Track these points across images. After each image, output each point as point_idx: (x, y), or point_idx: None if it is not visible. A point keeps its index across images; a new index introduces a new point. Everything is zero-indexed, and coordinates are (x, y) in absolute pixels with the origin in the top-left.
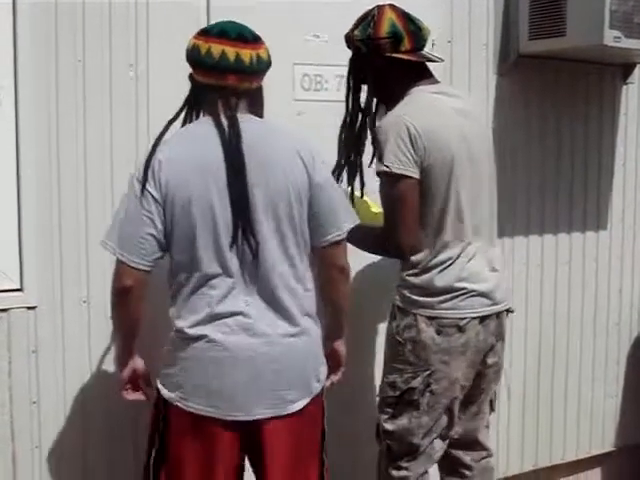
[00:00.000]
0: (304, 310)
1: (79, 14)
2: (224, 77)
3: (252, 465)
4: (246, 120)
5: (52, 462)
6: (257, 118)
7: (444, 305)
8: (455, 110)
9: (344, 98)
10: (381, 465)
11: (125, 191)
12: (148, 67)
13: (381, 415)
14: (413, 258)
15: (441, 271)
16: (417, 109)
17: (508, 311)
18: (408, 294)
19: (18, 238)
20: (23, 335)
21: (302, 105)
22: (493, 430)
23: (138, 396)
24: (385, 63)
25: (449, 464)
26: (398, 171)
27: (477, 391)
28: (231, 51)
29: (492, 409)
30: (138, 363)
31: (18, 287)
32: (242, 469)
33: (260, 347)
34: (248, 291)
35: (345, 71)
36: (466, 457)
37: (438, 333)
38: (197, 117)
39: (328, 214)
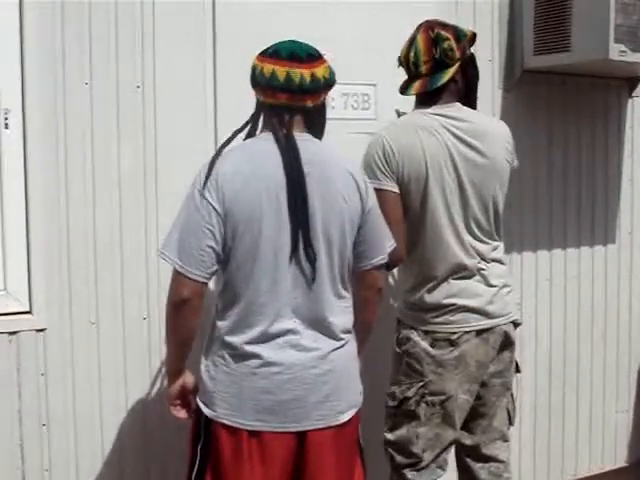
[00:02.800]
0: (344, 327)
1: (85, 37)
2: (276, 95)
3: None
4: (304, 139)
5: None
6: (313, 138)
7: (436, 320)
8: (450, 131)
9: None
10: (393, 476)
11: (182, 201)
12: (155, 88)
13: (384, 426)
14: (403, 275)
15: (429, 289)
16: (398, 128)
17: (515, 324)
18: (405, 309)
19: (27, 261)
20: (32, 358)
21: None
22: None
23: (185, 414)
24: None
25: (468, 478)
26: (377, 185)
27: (485, 404)
28: (281, 70)
29: (511, 423)
30: (188, 378)
31: (27, 310)
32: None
33: (310, 362)
34: (297, 309)
35: (350, 89)
36: (482, 471)
37: (432, 346)
38: (250, 135)
39: (375, 238)
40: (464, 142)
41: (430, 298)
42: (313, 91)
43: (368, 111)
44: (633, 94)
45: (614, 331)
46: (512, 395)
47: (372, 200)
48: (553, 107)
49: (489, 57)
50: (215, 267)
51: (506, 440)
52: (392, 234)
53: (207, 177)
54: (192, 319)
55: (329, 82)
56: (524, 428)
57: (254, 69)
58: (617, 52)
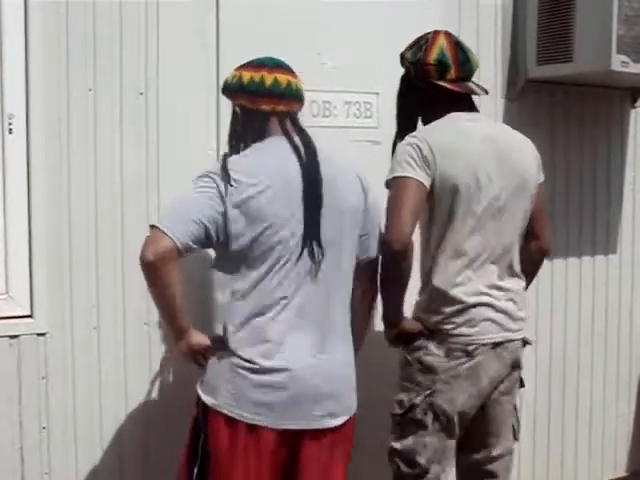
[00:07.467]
0: (346, 328)
1: (90, 43)
2: (291, 104)
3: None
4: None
5: None
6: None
7: (454, 331)
8: (488, 138)
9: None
10: None
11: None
12: (158, 94)
13: (391, 434)
14: (424, 276)
15: (452, 292)
16: (438, 129)
17: (525, 342)
18: (420, 315)
19: (29, 265)
20: (33, 361)
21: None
22: None
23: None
24: (428, 88)
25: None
26: (400, 174)
27: (496, 422)
28: (294, 81)
29: (515, 438)
30: (193, 339)
31: (28, 313)
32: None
33: (312, 362)
34: (303, 308)
35: (352, 97)
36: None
37: (447, 356)
38: (246, 146)
39: (376, 232)
40: (496, 150)
41: (451, 303)
42: (303, 99)
43: (370, 119)
44: (636, 104)
45: (615, 340)
46: (516, 411)
47: (372, 198)
48: (556, 117)
49: (492, 66)
50: (195, 246)
51: (511, 453)
52: (402, 216)
53: (223, 169)
54: (163, 277)
55: None
56: (523, 436)
57: (261, 80)
58: (619, 63)
